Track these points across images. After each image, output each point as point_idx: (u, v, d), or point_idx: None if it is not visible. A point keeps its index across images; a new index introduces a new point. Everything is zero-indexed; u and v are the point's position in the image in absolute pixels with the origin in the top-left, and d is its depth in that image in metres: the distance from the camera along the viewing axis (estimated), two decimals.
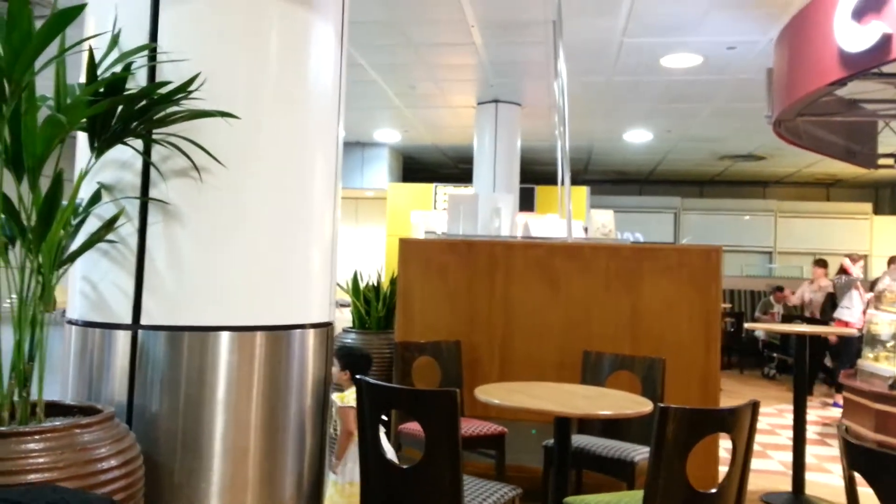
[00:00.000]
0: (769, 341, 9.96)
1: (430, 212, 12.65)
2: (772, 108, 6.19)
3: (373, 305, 4.55)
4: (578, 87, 8.15)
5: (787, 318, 9.98)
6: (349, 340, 4.38)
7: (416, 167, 14.14)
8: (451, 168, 14.09)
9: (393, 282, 4.51)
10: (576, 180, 13.65)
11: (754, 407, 2.44)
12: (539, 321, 4.16)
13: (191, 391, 2.15)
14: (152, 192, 2.10)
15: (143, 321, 2.12)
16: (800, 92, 5.33)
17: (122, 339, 2.13)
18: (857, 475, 1.89)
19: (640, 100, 8.63)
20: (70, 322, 2.26)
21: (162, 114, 1.90)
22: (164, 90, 1.87)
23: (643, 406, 2.87)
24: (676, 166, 12.95)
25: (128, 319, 2.12)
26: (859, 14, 4.59)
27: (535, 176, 12.32)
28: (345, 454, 3.32)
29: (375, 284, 4.66)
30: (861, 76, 4.95)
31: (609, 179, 14.50)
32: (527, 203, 11.90)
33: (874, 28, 4.43)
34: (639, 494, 2.40)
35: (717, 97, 8.26)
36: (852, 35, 4.62)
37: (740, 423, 2.40)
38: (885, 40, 4.36)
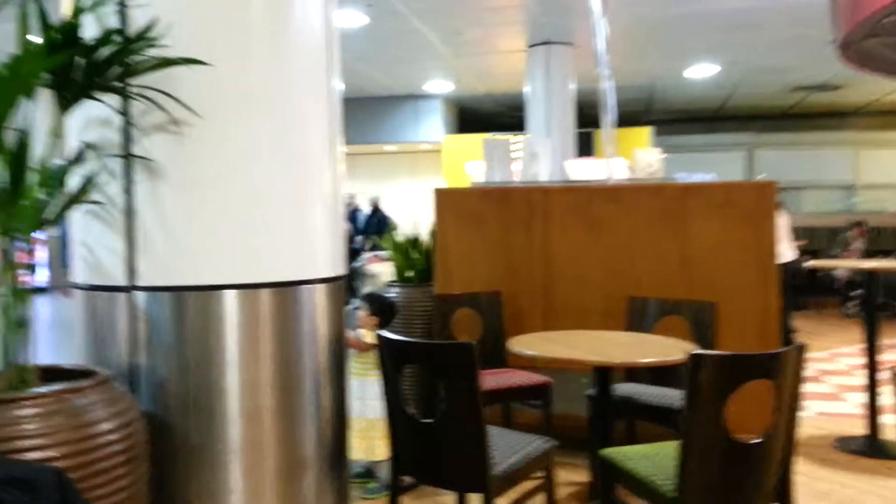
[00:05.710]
0: (850, 279, 9.40)
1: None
2: (837, 29, 5.65)
3: (413, 258, 4.46)
4: (631, 22, 7.71)
5: (868, 255, 9.40)
6: (393, 294, 4.33)
7: (472, 118, 13.88)
8: (507, 117, 13.77)
9: (432, 234, 4.39)
10: (639, 121, 13.08)
11: (799, 350, 2.22)
12: (581, 268, 3.96)
13: (197, 352, 2.10)
14: (135, 149, 2.03)
15: (139, 283, 2.08)
16: (868, 8, 4.83)
17: (121, 302, 2.09)
18: None
19: (698, 32, 8.12)
20: (76, 287, 2.24)
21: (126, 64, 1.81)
22: (121, 38, 1.77)
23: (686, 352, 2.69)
24: (747, 101, 12.23)
25: (123, 281, 2.08)
26: None
27: (594, 120, 11.86)
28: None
29: (414, 238, 4.56)
30: None
31: (674, 119, 13.87)
32: (585, 148, 11.48)
33: None
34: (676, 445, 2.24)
35: (780, 23, 7.66)
36: None
37: (783, 368, 2.19)
38: None
